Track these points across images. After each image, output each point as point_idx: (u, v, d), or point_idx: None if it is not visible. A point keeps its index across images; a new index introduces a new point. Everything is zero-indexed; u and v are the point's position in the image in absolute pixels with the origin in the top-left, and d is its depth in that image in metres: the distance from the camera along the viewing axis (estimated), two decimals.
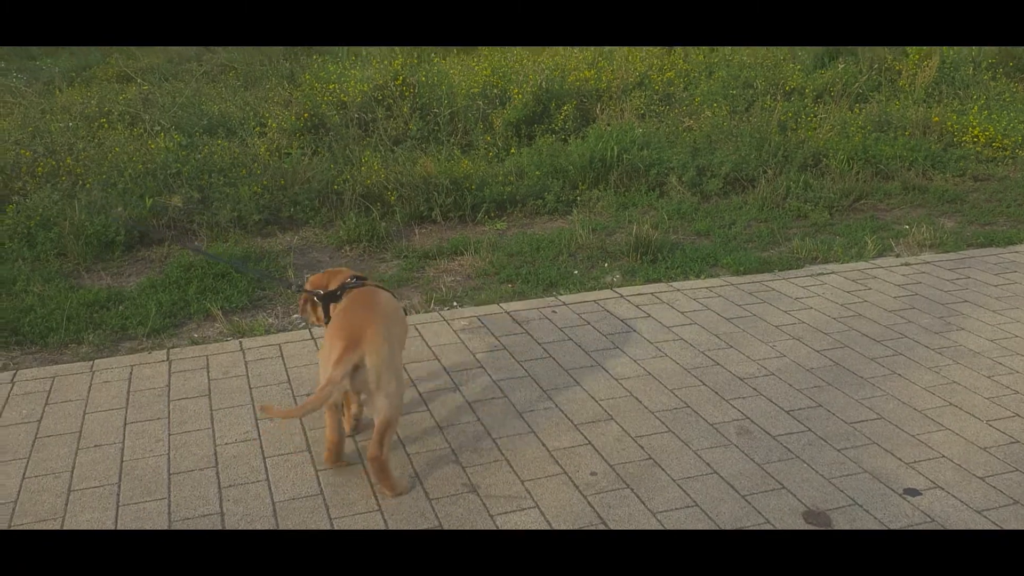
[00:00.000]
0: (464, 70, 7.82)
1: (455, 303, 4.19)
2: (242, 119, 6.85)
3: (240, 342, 3.68)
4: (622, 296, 4.23)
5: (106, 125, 6.53)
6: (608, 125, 6.58)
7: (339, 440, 2.74)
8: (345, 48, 8.76)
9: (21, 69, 9.87)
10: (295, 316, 4.01)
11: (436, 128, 6.67)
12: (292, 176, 5.48)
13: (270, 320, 3.95)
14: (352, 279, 2.88)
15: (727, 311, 4.07)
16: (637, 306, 4.11)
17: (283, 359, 3.53)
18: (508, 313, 4.02)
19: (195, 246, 4.60)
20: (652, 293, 4.28)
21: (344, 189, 5.37)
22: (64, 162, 5.55)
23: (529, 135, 6.67)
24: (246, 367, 3.45)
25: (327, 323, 2.84)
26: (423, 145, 6.44)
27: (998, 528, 2.53)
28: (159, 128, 6.32)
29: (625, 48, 8.59)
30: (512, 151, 6.30)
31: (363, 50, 8.48)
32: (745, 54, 8.52)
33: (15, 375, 3.39)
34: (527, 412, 3.14)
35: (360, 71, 7.27)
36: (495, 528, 2.50)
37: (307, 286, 2.97)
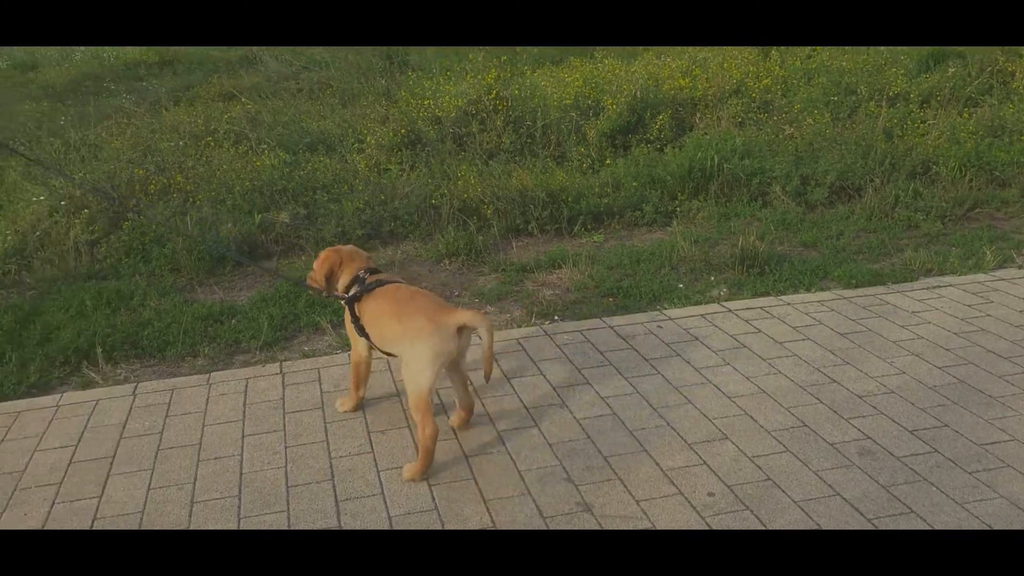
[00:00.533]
0: (555, 82, 7.81)
1: (556, 317, 4.17)
2: (341, 136, 6.99)
3: (349, 355, 3.73)
4: (730, 310, 4.13)
5: (212, 144, 6.75)
6: (706, 134, 6.47)
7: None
8: (438, 64, 8.87)
9: (129, 90, 10.30)
10: None
11: (530, 141, 6.67)
12: (391, 191, 5.56)
13: None
14: (366, 271, 3.02)
15: (841, 326, 3.93)
16: (746, 320, 4.00)
17: (390, 372, 3.56)
18: (612, 328, 3.97)
19: (263, 265, 4.69)
20: (761, 307, 4.17)
21: (441, 203, 5.41)
22: (175, 179, 5.76)
23: (624, 145, 6.61)
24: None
25: (349, 305, 3.02)
26: (517, 158, 6.45)
27: None
28: (264, 146, 6.51)
29: (720, 55, 8.45)
30: (607, 162, 6.25)
31: (456, 65, 8.57)
32: (844, 59, 8.27)
33: (136, 387, 3.52)
34: (638, 430, 3.09)
35: (454, 86, 7.34)
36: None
37: (317, 264, 3.09)
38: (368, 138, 6.64)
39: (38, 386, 3.59)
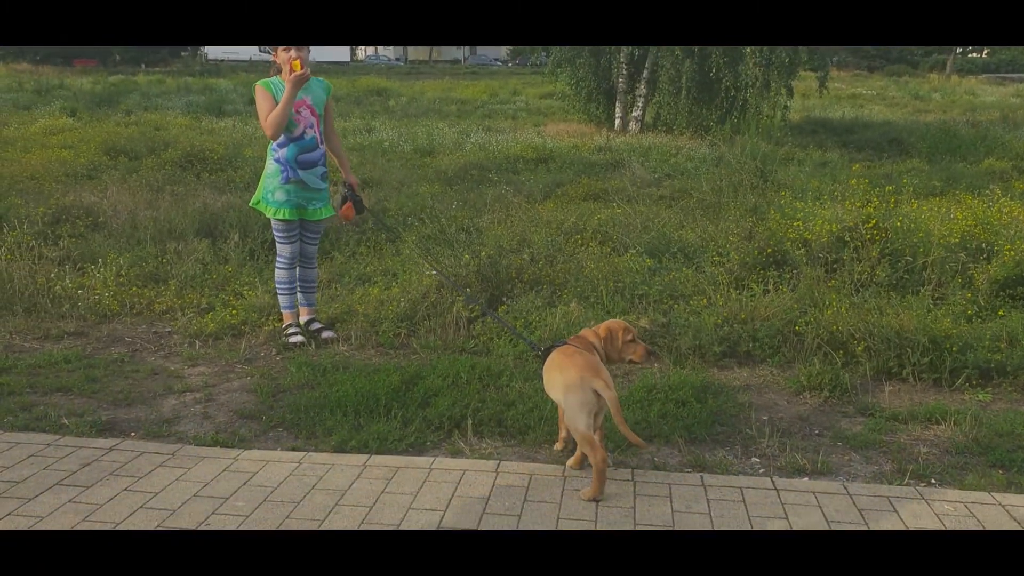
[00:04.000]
0: (940, 217, 7.24)
1: (933, 480, 3.74)
2: (702, 247, 7.04)
3: (701, 476, 3.65)
4: None
5: (580, 241, 7.13)
6: None
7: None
8: (811, 184, 8.66)
9: (508, 181, 11.29)
10: (754, 460, 3.89)
11: (906, 277, 6.21)
12: (752, 310, 5.44)
13: (730, 458, 3.88)
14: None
15: None
16: None
17: (744, 504, 3.41)
18: (1003, 506, 3.47)
19: (491, 312, 4.73)
20: None
21: (806, 331, 5.18)
22: (545, 272, 6.14)
23: (1021, 297, 5.89)
24: (708, 505, 3.39)
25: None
26: (890, 293, 6.02)
27: None
28: (632, 251, 6.73)
29: None
30: (1000, 312, 5.60)
31: (827, 187, 8.31)
32: None
33: (499, 465, 3.72)
34: None
35: (828, 210, 7.09)
36: None
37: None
38: (731, 252, 6.61)
39: (415, 446, 3.94)
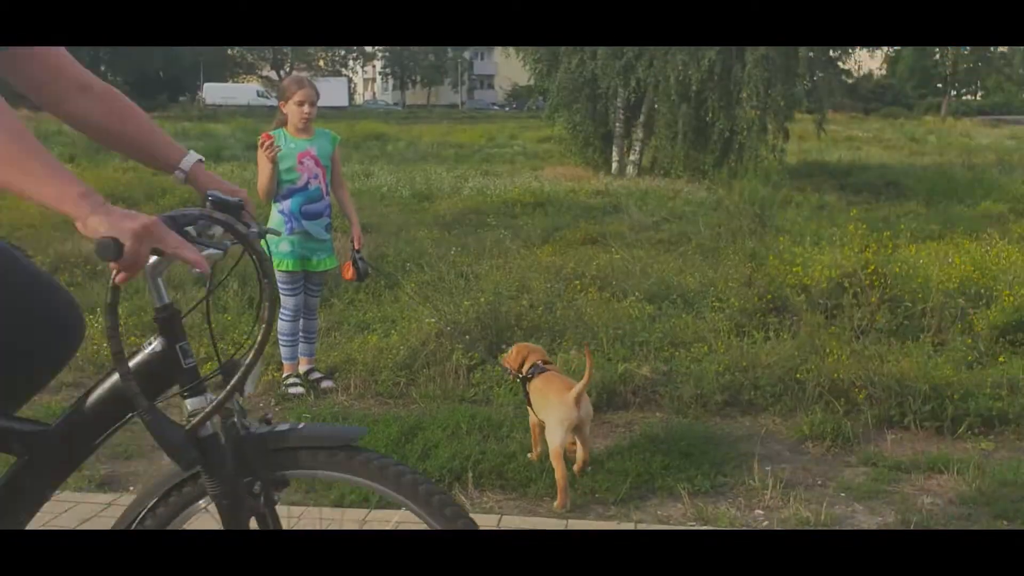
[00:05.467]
0: (938, 261, 7.27)
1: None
2: (700, 291, 7.06)
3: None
4: None
5: (579, 287, 7.14)
6: None
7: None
8: (808, 230, 8.71)
9: (506, 226, 11.33)
10: (757, 512, 3.86)
11: (906, 323, 6.21)
12: (753, 358, 5.43)
13: (734, 511, 3.84)
14: (542, 361, 4.27)
15: None
16: None
17: None
18: None
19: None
20: None
21: (807, 379, 5.16)
22: (544, 318, 6.14)
23: (1022, 343, 5.89)
24: None
25: (523, 383, 4.28)
26: (890, 339, 6.02)
27: None
28: (632, 297, 6.73)
29: None
30: (1000, 359, 5.59)
31: (825, 231, 8.36)
32: None
33: (500, 520, 3.68)
34: None
35: (826, 255, 7.12)
36: None
37: (513, 352, 4.41)
38: (731, 298, 6.62)
39: None
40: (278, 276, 5.19)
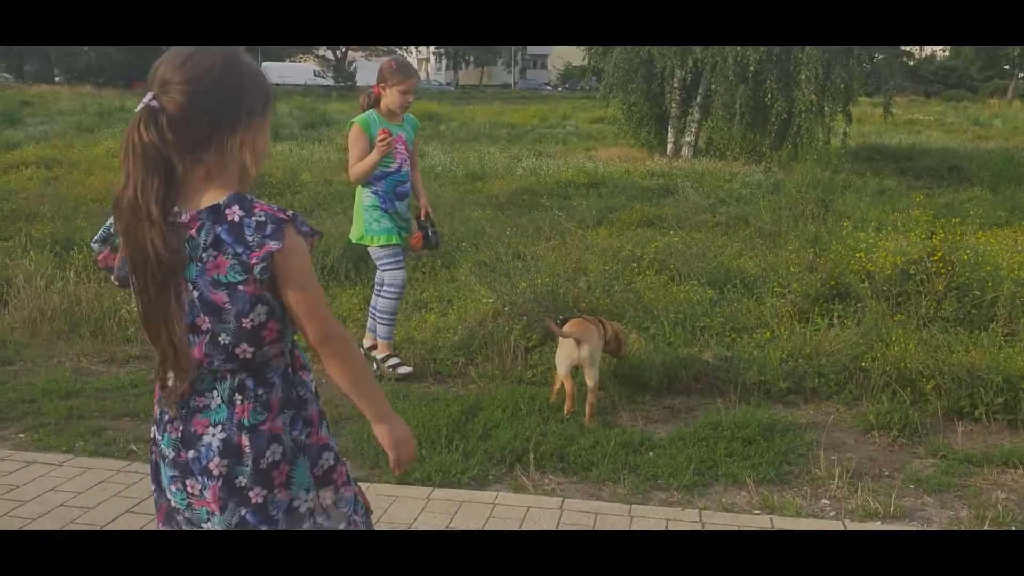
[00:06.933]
0: (1009, 249, 7.06)
1: (1014, 528, 3.60)
2: (761, 276, 6.94)
3: (771, 519, 3.56)
4: None
5: (637, 270, 7.07)
6: None
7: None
8: (871, 215, 8.51)
9: (559, 207, 11.26)
10: (824, 502, 3.79)
11: (974, 312, 6.03)
12: (817, 345, 5.33)
13: (800, 501, 3.78)
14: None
15: None
16: None
17: None
18: None
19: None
20: None
21: (872, 367, 5.05)
22: (602, 301, 6.09)
23: None
24: None
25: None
26: (956, 328, 5.85)
27: None
28: (694, 280, 6.65)
29: None
30: None
31: (891, 216, 8.15)
32: None
33: (563, 503, 3.68)
34: None
35: (891, 242, 6.94)
36: None
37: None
38: (794, 284, 6.49)
39: (477, 479, 3.92)
40: (383, 252, 5.17)
